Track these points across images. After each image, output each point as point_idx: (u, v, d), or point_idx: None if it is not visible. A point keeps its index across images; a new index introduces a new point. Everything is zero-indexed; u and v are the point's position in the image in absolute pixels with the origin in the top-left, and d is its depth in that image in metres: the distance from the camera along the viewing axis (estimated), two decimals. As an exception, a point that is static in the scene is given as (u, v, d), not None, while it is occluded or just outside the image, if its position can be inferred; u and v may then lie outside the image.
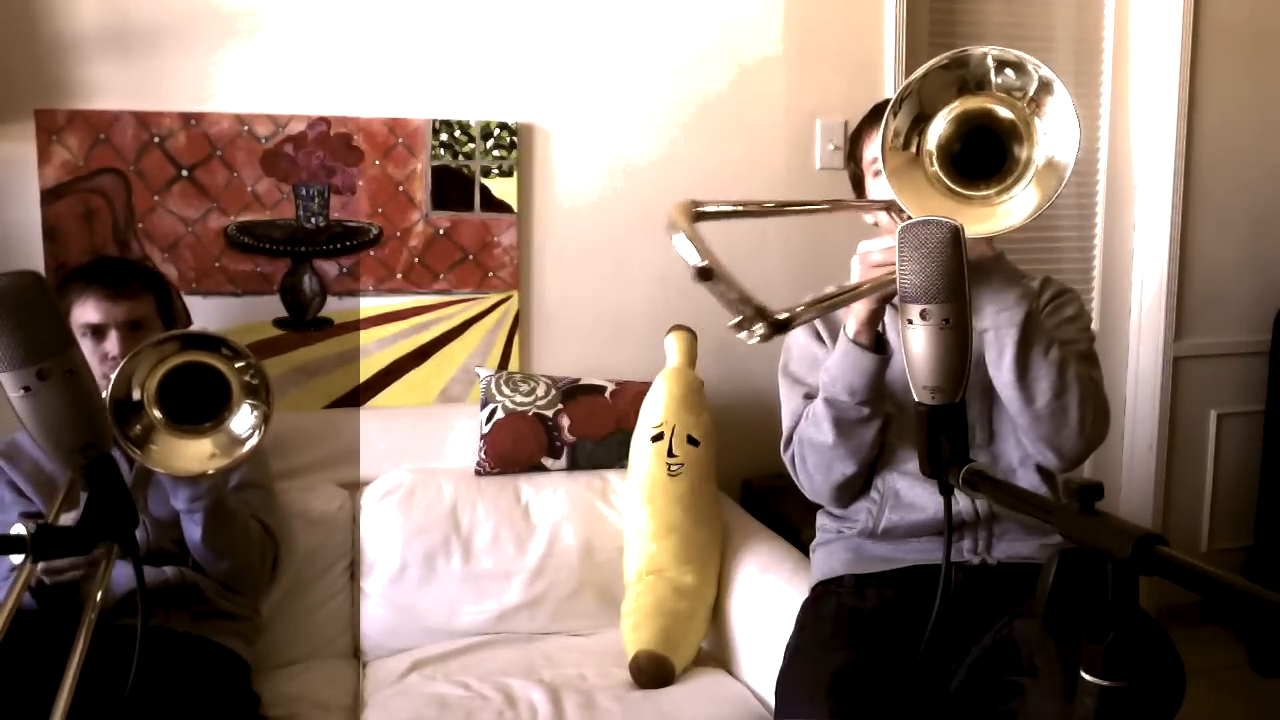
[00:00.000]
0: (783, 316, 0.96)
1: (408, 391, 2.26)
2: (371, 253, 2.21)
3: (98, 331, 1.66)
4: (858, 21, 2.49)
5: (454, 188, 2.25)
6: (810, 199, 2.40)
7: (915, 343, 0.94)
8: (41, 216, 2.02)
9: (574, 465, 2.14)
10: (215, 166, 2.11)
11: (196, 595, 1.69)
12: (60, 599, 1.48)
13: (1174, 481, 2.93)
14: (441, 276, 2.26)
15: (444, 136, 2.22)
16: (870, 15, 2.50)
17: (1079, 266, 2.87)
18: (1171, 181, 2.78)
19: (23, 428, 0.92)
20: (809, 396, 1.55)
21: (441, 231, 2.25)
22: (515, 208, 2.29)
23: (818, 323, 1.61)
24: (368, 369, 2.24)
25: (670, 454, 1.99)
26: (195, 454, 1.26)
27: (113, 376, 1.22)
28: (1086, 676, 0.70)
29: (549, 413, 2.13)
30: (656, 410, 2.03)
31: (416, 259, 2.24)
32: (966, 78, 1.24)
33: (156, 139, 2.07)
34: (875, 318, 1.42)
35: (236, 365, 1.28)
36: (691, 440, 2.01)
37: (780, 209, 1.59)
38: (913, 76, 1.25)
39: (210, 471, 1.27)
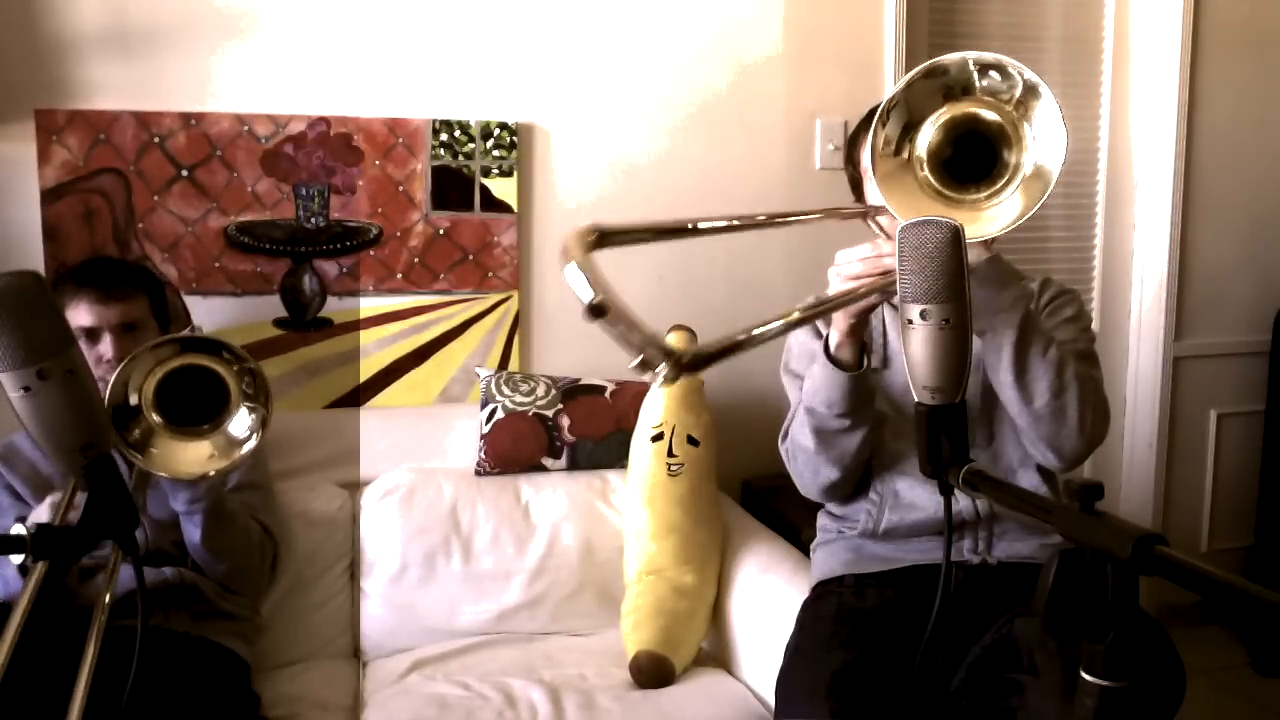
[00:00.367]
0: (696, 355, 0.86)
1: (408, 391, 2.26)
2: (371, 253, 2.21)
3: (91, 334, 1.65)
4: (858, 21, 2.49)
5: (454, 188, 2.25)
6: (809, 199, 2.41)
7: (915, 343, 0.94)
8: (41, 216, 2.02)
9: (574, 465, 2.14)
10: (215, 166, 2.11)
11: (196, 596, 1.69)
12: (54, 593, 1.48)
13: (1174, 481, 2.93)
14: (441, 276, 2.26)
15: (444, 136, 2.22)
16: (870, 15, 2.50)
17: (1079, 267, 2.87)
18: (1171, 181, 2.78)
19: (21, 429, 0.92)
20: (808, 394, 1.55)
21: (441, 231, 2.25)
22: (515, 208, 2.29)
23: (819, 321, 1.61)
24: (368, 369, 2.24)
25: (670, 454, 1.99)
26: (194, 456, 1.26)
27: (110, 380, 1.22)
28: (1086, 676, 0.70)
29: (549, 413, 2.13)
30: (656, 410, 2.03)
31: (416, 259, 2.24)
32: (951, 84, 1.24)
33: (156, 139, 2.07)
34: (856, 330, 1.41)
35: (235, 368, 1.28)
36: (691, 440, 2.01)
37: (769, 221, 1.47)
38: (895, 87, 1.25)
39: (212, 473, 1.27)
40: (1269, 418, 2.86)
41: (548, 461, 2.13)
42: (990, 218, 1.25)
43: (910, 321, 0.93)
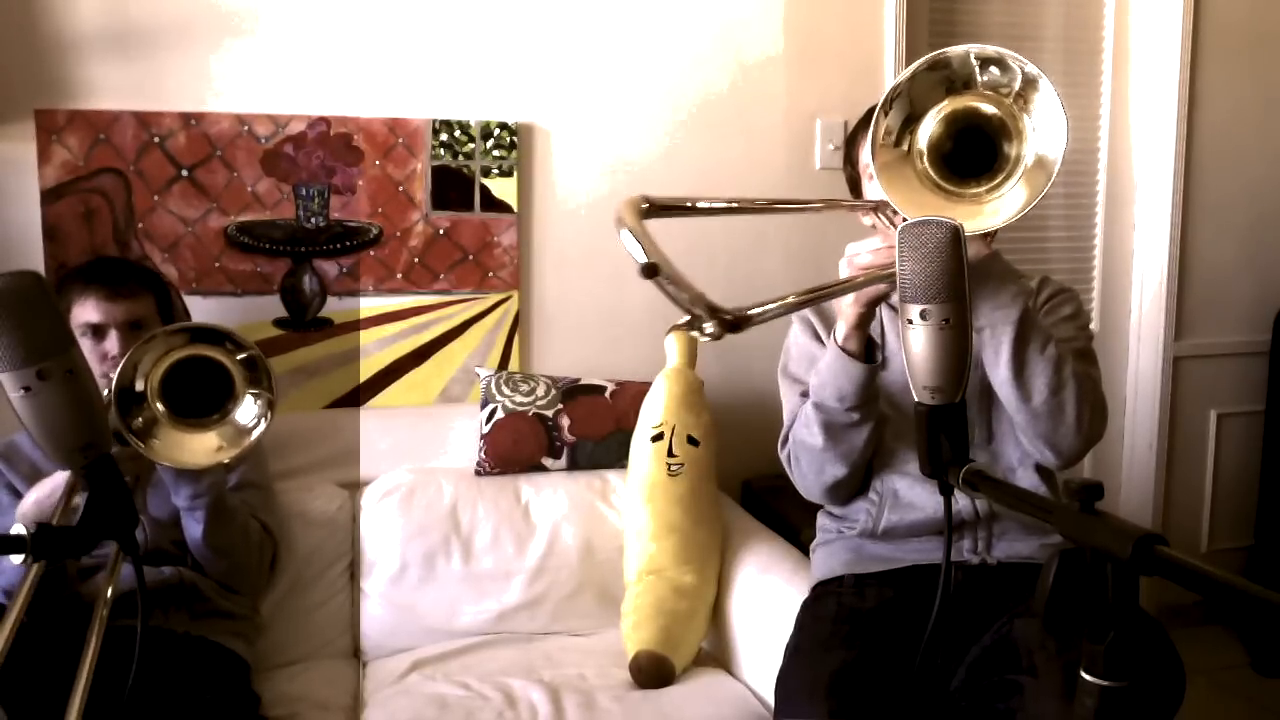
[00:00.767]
0: (742, 314, 0.93)
1: (408, 391, 2.26)
2: (371, 253, 2.21)
3: (97, 331, 1.66)
4: (858, 21, 2.49)
5: (454, 188, 2.25)
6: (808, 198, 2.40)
7: (915, 343, 0.94)
8: (41, 216, 2.02)
9: (574, 465, 2.14)
10: (215, 166, 2.11)
11: (196, 595, 1.69)
12: (55, 590, 1.48)
13: (1174, 481, 2.93)
14: (441, 276, 2.26)
15: (444, 136, 2.22)
16: (870, 15, 2.50)
17: (1079, 266, 2.87)
18: (1171, 181, 2.78)
19: (22, 428, 0.92)
20: (807, 395, 1.55)
21: (441, 231, 2.25)
22: (515, 208, 2.29)
23: (817, 324, 1.61)
24: (368, 369, 2.24)
25: (670, 454, 1.99)
26: (201, 447, 1.27)
27: (121, 361, 1.24)
28: (1086, 676, 0.70)
29: (549, 413, 2.13)
30: (656, 410, 2.03)
31: (416, 259, 2.24)
32: (953, 77, 1.25)
33: (156, 139, 2.07)
34: (864, 322, 1.42)
35: (237, 357, 1.29)
36: (691, 440, 2.01)
37: (768, 207, 1.56)
38: (900, 77, 1.25)
39: (226, 461, 1.29)
40: (1269, 418, 2.86)
41: (548, 461, 2.13)
42: (993, 210, 1.26)
43: (910, 321, 0.93)
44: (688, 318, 0.89)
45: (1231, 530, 2.99)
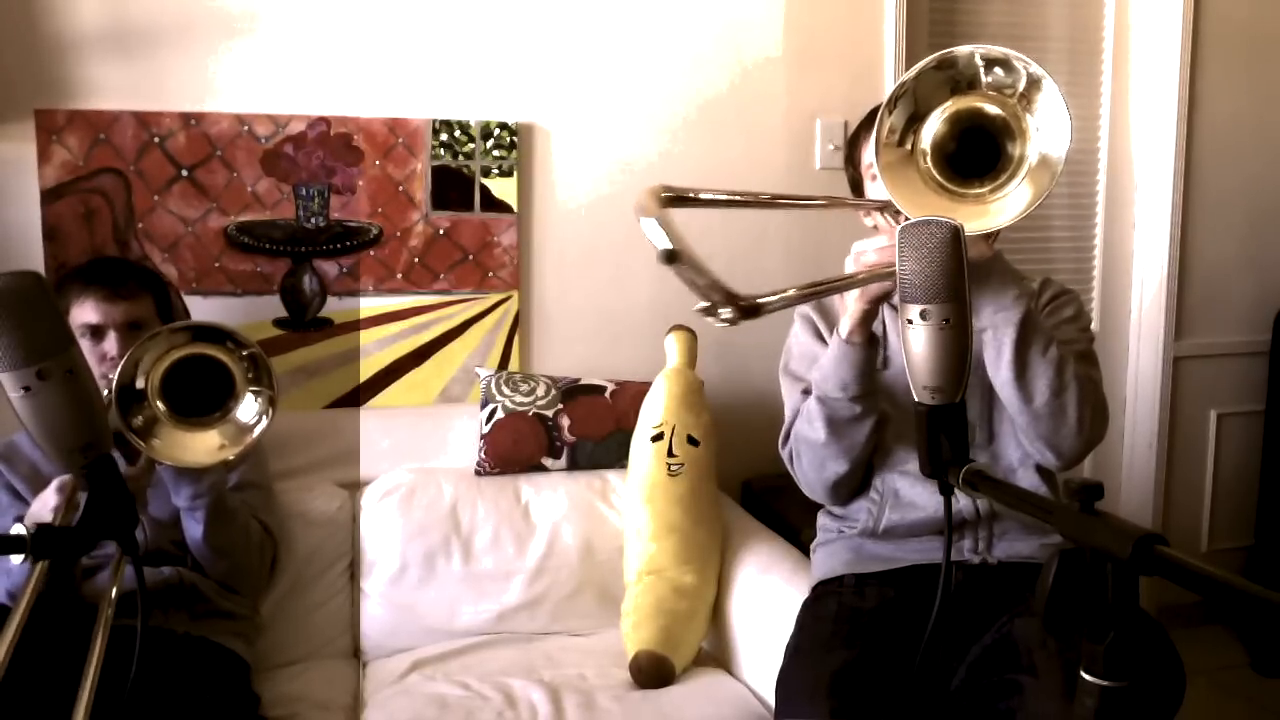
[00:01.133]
0: (758, 301, 0.97)
1: (408, 391, 2.26)
2: (371, 253, 2.21)
3: (97, 332, 1.66)
4: (858, 21, 2.49)
5: (454, 188, 2.25)
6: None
7: (915, 343, 0.94)
8: (41, 216, 2.02)
9: (574, 465, 2.14)
10: (215, 166, 2.11)
11: (195, 595, 1.69)
12: (58, 591, 1.48)
13: (1174, 481, 2.93)
14: (441, 276, 2.26)
15: (444, 136, 2.22)
16: (870, 15, 2.50)
17: (1079, 266, 2.87)
18: (1171, 181, 2.78)
19: (21, 428, 0.92)
20: (808, 393, 1.55)
21: (441, 231, 2.25)
22: (515, 208, 2.29)
23: (819, 322, 1.61)
24: (368, 369, 2.24)
25: (670, 454, 1.99)
26: (203, 446, 1.27)
27: (122, 361, 1.24)
28: (1086, 676, 0.70)
29: (549, 413, 2.13)
30: (656, 410, 2.03)
31: (416, 259, 2.24)
32: (958, 77, 1.25)
33: (156, 139, 2.07)
34: (869, 317, 1.42)
35: (238, 354, 1.29)
36: (691, 440, 2.01)
37: (773, 202, 1.59)
38: (906, 75, 1.25)
39: (231, 458, 1.29)
40: (1269, 418, 2.86)
41: (548, 461, 2.13)
42: (997, 210, 1.25)
43: (910, 321, 0.93)
44: (706, 303, 0.93)
45: (1231, 530, 2.99)
